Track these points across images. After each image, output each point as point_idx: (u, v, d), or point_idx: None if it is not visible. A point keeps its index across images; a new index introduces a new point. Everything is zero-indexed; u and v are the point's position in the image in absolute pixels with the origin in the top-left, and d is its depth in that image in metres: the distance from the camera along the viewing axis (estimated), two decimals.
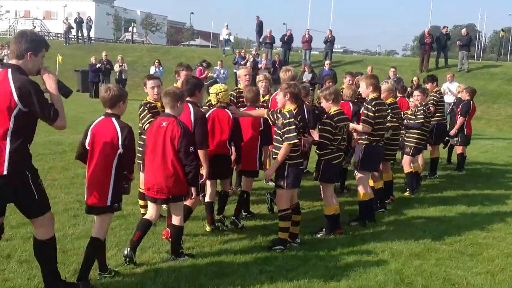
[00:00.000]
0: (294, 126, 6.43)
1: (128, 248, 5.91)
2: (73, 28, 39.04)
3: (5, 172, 4.44)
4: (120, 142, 5.25)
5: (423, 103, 10.01)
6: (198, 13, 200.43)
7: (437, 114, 11.51)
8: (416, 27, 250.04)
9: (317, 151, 7.30)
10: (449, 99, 17.16)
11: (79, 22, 38.53)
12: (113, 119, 5.37)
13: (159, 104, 7.20)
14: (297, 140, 6.50)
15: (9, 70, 4.52)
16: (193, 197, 6.12)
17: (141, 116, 7.20)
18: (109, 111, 5.43)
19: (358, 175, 7.97)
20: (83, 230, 6.99)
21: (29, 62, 4.59)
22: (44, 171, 9.93)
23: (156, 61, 25.69)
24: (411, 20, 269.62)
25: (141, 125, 7.23)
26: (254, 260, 6.27)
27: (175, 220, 6.11)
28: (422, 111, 9.82)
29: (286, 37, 31.18)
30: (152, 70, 24.89)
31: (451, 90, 17.28)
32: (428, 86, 12.11)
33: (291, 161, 6.49)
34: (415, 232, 7.71)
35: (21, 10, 77.10)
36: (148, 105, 7.26)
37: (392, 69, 19.68)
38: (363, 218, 7.92)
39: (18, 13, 74.39)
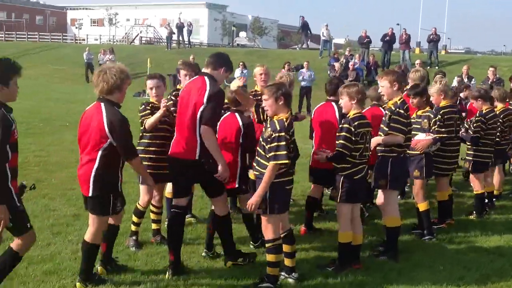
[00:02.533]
0: (285, 142, 5.14)
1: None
2: (174, 33, 39.60)
3: (196, 157, 5.43)
4: (241, 134, 6.11)
5: (485, 111, 8.12)
6: (309, 16, 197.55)
7: None
8: None
9: (335, 165, 5.96)
10: None
11: (179, 27, 39.05)
12: (237, 114, 6.26)
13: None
14: (287, 161, 5.18)
15: (206, 77, 5.52)
16: None
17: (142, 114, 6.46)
18: (234, 108, 6.29)
19: (381, 195, 6.49)
20: (51, 253, 6.13)
21: (220, 76, 5.62)
22: (69, 178, 9.42)
23: (241, 63, 25.03)
24: None
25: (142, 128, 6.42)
26: None
27: None
28: (480, 122, 8.01)
29: (387, 37, 29.17)
30: (237, 72, 24.24)
31: None
32: None
33: (276, 179, 5.23)
34: (457, 269, 6.13)
35: (140, 18, 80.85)
36: (150, 105, 6.50)
37: (491, 69, 17.36)
38: (393, 250, 6.43)
39: (137, 21, 78.03)
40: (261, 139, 5.39)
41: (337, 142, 5.80)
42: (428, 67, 27.95)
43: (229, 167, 5.66)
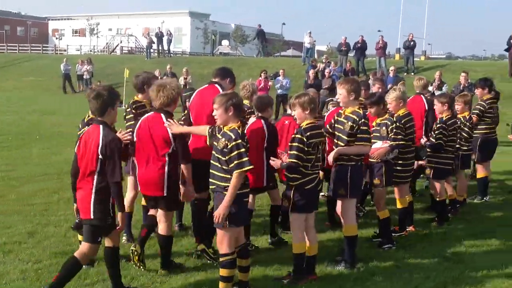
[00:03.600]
0: (244, 149, 5.14)
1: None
2: (154, 42, 39.48)
3: None
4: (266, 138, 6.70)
5: (445, 118, 8.09)
6: (291, 24, 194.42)
7: (482, 126, 9.64)
8: None
9: (287, 175, 5.92)
10: None
11: (159, 36, 38.92)
12: (262, 120, 6.78)
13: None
14: (252, 166, 5.19)
15: (217, 85, 6.43)
16: None
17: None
18: (260, 114, 6.86)
19: (339, 205, 6.47)
20: None
21: (226, 85, 6.52)
22: (30, 192, 9.30)
23: None
24: None
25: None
26: None
27: None
28: (441, 129, 8.01)
29: (358, 44, 29.32)
30: None
31: None
32: (477, 92, 10.27)
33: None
34: (415, 277, 6.10)
35: (122, 28, 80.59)
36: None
37: (463, 74, 17.46)
38: (350, 259, 6.39)
39: (119, 31, 77.75)
40: (214, 152, 5.33)
41: (289, 152, 5.76)
42: (405, 74, 28.14)
43: (256, 168, 5.88)
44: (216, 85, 6.41)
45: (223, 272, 5.34)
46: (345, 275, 6.13)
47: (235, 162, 5.11)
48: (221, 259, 5.37)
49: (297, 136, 5.72)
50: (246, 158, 5.12)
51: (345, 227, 6.41)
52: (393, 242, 7.16)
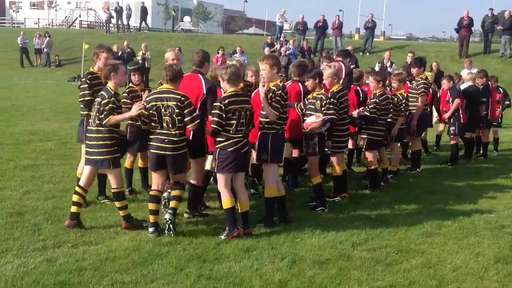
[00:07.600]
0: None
1: None
2: (113, 17, 39.24)
3: None
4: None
5: (378, 94, 8.81)
6: (253, 1, 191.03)
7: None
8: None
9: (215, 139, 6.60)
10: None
11: (118, 11, 38.69)
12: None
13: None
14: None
15: None
16: None
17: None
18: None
19: (265, 168, 7.10)
20: None
21: None
22: None
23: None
24: (482, 4, 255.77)
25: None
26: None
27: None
28: (375, 104, 8.72)
29: (319, 23, 29.93)
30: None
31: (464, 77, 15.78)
32: (414, 71, 11.04)
33: None
34: (340, 235, 6.78)
35: (81, 1, 78.86)
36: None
37: (409, 54, 18.29)
38: (269, 218, 7.04)
39: (79, 4, 76.18)
40: None
41: (211, 119, 6.48)
42: (361, 53, 28.95)
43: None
44: (340, 62, 8.91)
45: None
46: (277, 232, 6.78)
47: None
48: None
49: (216, 104, 6.43)
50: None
51: (266, 189, 7.06)
52: (326, 205, 7.84)
